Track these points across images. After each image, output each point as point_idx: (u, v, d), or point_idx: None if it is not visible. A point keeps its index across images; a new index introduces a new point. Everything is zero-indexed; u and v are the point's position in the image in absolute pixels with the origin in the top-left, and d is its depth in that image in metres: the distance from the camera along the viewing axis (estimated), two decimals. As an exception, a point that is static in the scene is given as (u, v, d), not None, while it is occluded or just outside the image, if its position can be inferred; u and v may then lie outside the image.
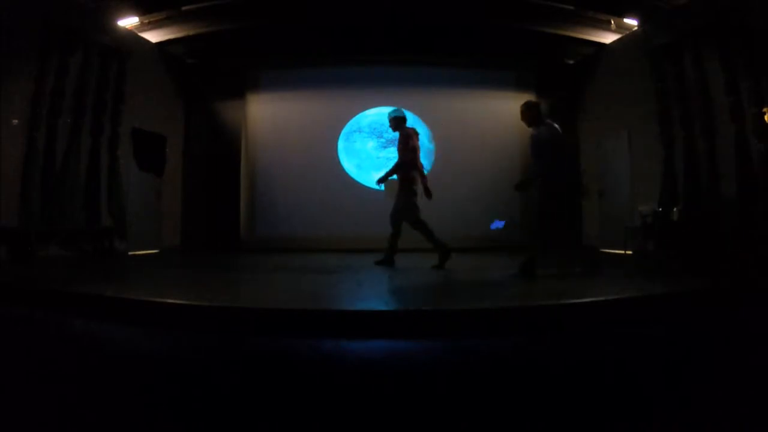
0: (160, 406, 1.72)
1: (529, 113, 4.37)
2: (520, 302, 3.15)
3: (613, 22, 7.26)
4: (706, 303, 3.15)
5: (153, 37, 7.55)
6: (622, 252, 6.62)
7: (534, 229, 4.82)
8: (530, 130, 4.34)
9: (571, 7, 6.95)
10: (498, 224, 8.54)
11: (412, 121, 8.80)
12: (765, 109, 5.13)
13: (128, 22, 7.00)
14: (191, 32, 7.48)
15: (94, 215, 6.43)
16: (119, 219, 6.76)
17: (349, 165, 8.78)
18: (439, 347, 2.46)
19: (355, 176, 8.75)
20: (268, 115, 8.77)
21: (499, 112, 8.91)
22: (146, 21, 7.12)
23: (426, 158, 8.81)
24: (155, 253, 7.31)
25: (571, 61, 8.61)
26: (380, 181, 5.36)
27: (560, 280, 4.04)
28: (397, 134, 5.32)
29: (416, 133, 5.23)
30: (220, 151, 8.55)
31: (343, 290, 3.96)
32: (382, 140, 8.77)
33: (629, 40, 7.34)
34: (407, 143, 5.11)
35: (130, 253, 6.82)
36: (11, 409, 1.65)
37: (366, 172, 8.76)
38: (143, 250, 7.19)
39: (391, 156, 8.76)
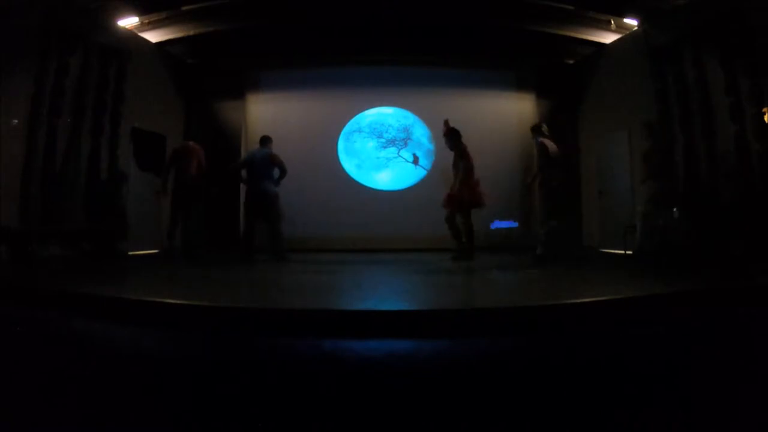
0: (160, 406, 1.72)
1: None
2: (520, 302, 3.16)
3: (613, 22, 7.25)
4: (706, 303, 3.15)
5: (153, 37, 7.54)
6: (622, 252, 6.62)
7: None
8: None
9: (571, 7, 6.95)
10: (504, 224, 8.54)
11: (412, 121, 8.84)
12: (765, 109, 5.13)
13: (128, 22, 6.99)
14: (191, 32, 7.47)
15: (94, 215, 6.44)
16: (119, 219, 6.75)
17: (349, 165, 8.77)
18: (439, 347, 2.46)
19: (355, 176, 8.75)
20: (268, 115, 8.75)
21: (499, 112, 8.91)
22: (146, 21, 7.11)
23: (426, 158, 8.83)
24: (155, 253, 7.31)
25: (571, 61, 8.61)
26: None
27: (556, 279, 4.03)
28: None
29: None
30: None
31: (343, 290, 3.96)
32: (382, 140, 8.76)
33: (629, 40, 7.33)
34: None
35: (130, 253, 6.81)
36: (11, 409, 1.65)
37: (366, 172, 8.75)
38: (143, 250, 7.19)
39: (391, 156, 8.80)
